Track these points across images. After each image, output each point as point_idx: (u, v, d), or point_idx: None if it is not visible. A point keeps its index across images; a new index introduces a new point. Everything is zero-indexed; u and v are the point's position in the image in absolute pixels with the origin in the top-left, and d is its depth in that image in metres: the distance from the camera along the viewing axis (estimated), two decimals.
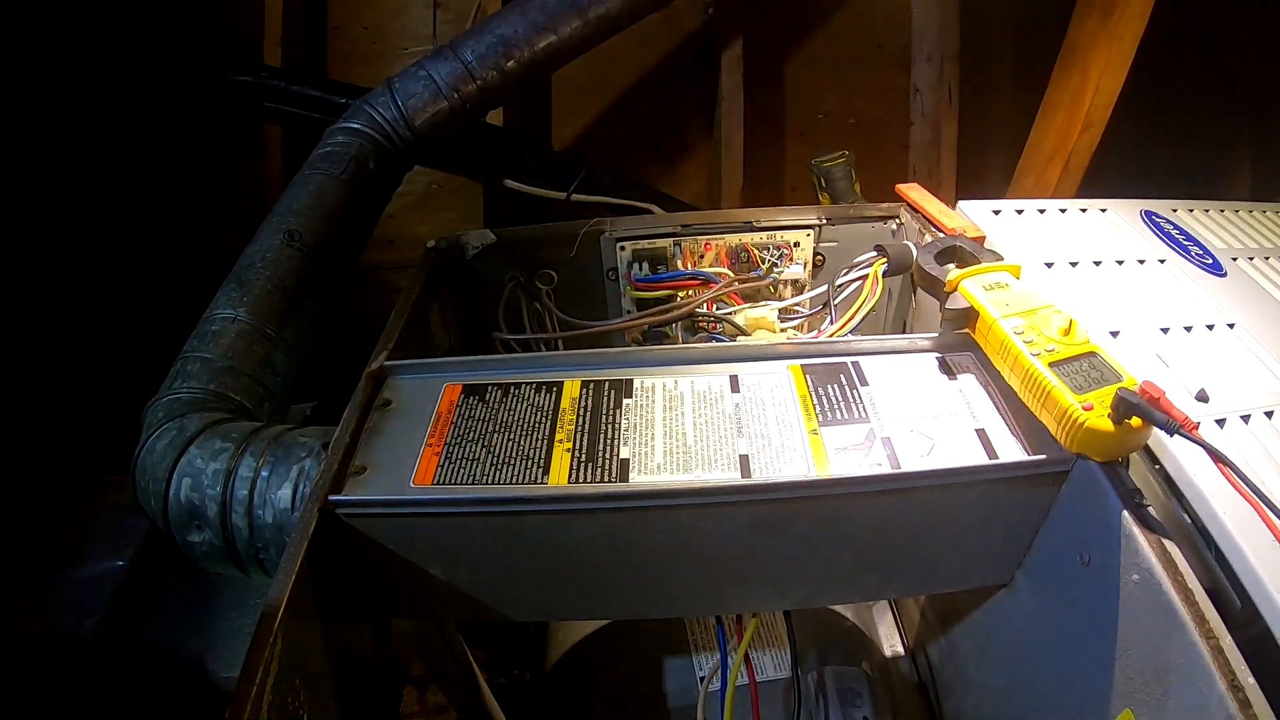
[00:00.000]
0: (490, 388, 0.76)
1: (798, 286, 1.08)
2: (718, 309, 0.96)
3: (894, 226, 1.07)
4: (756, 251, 1.05)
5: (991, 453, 0.68)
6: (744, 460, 0.67)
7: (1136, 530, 0.61)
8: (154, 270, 1.99)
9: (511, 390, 0.75)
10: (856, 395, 0.74)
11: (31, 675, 1.15)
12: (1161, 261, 0.96)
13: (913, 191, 1.03)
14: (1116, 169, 1.97)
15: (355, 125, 1.40)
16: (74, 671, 1.15)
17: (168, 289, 2.00)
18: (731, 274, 1.02)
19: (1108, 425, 0.63)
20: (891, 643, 1.12)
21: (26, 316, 1.74)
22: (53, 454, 1.57)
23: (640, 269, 1.04)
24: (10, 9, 1.67)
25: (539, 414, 0.72)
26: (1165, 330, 0.85)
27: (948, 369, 0.77)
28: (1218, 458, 0.60)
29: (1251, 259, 1.01)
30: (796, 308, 1.00)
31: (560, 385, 0.75)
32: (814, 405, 0.72)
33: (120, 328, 1.93)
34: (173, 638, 1.15)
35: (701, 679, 0.97)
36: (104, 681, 1.13)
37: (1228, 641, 0.55)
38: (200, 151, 1.96)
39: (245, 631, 1.13)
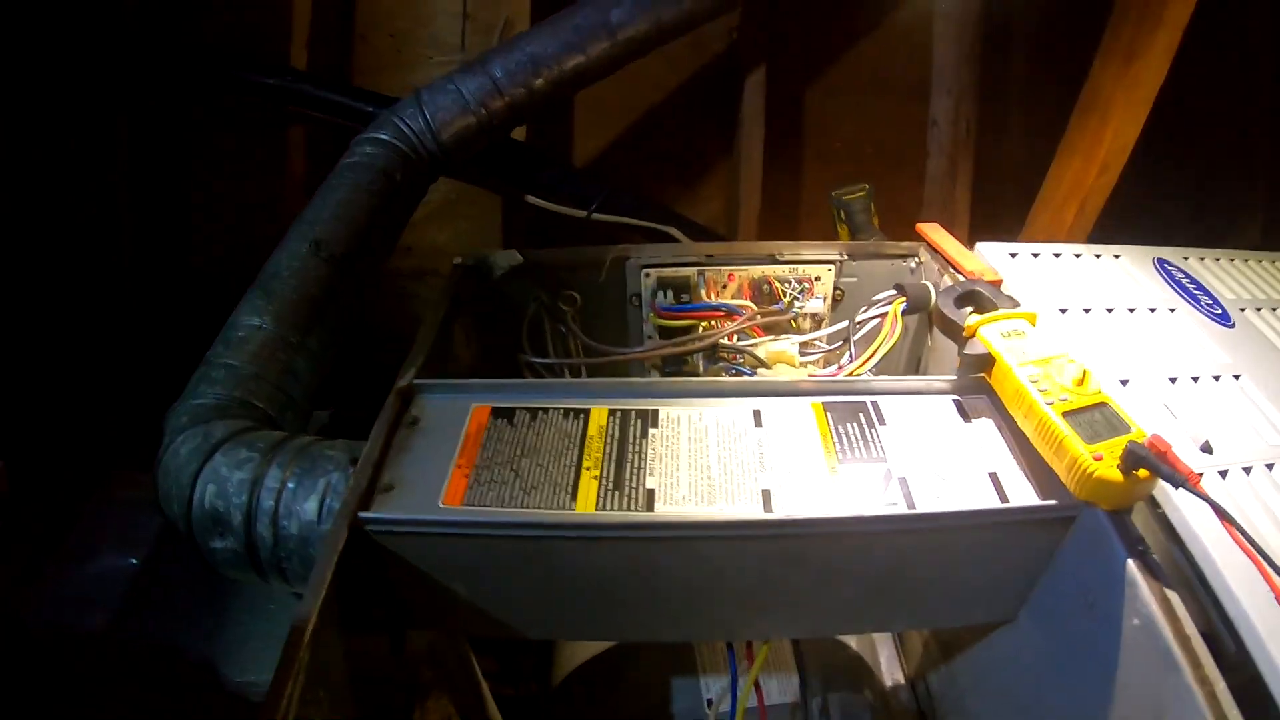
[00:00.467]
0: (519, 411, 0.77)
1: (817, 320, 1.10)
2: (739, 340, 0.98)
3: (913, 265, 1.09)
4: (778, 284, 1.07)
5: (1003, 496, 0.70)
6: (766, 495, 0.69)
7: (1139, 577, 0.63)
8: (170, 267, 2.01)
9: (540, 415, 0.77)
10: (875, 434, 0.76)
11: (39, 667, 1.16)
12: (1172, 310, 0.98)
13: (933, 232, 1.05)
14: (1129, 212, 1.99)
15: (383, 136, 1.41)
16: (81, 666, 1.16)
17: (183, 286, 2.01)
18: (754, 306, 1.04)
19: (1116, 476, 0.65)
20: (892, 671, 1.14)
21: (39, 311, 1.75)
22: (60, 447, 1.58)
23: (664, 296, 1.06)
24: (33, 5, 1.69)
25: (567, 440, 0.74)
26: (1173, 380, 0.87)
27: (963, 412, 0.79)
28: (1221, 514, 0.62)
29: (1259, 310, 1.03)
30: (816, 342, 1.02)
31: (588, 412, 0.77)
32: (834, 443, 0.74)
33: (135, 323, 1.94)
34: (182, 638, 1.16)
35: (709, 701, 0.99)
36: (111, 678, 1.15)
37: (1221, 687, 0.57)
38: (221, 152, 1.98)
39: (257, 636, 1.14)
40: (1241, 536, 0.62)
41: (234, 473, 0.85)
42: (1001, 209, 2.23)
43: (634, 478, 0.70)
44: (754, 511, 0.68)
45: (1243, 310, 1.02)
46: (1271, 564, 0.61)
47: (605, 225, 1.69)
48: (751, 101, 2.04)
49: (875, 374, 0.93)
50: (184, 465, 0.87)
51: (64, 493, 1.39)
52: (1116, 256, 1.07)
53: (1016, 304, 0.84)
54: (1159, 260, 1.08)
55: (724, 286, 1.06)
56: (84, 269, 1.88)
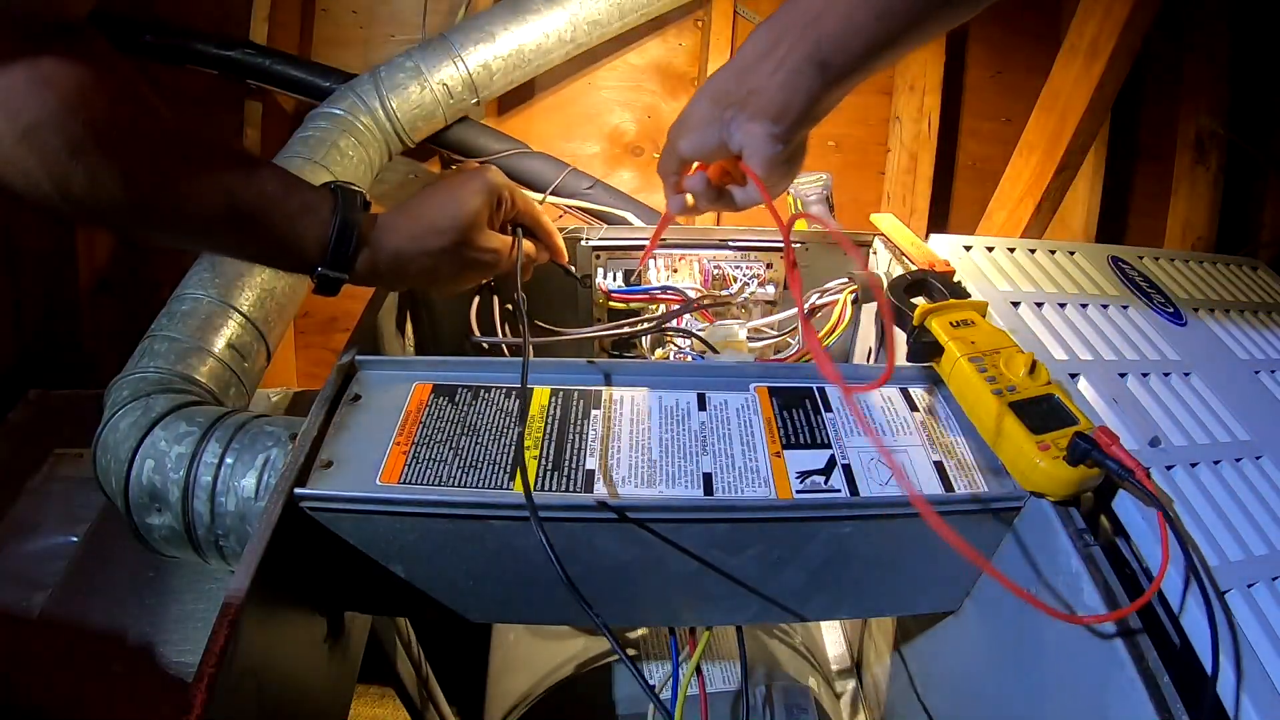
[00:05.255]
0: (460, 389, 0.76)
1: (768, 307, 1.09)
2: (688, 324, 0.97)
3: (867, 255, 1.08)
4: (729, 269, 1.06)
5: (948, 486, 0.70)
6: (707, 478, 0.68)
7: (1083, 569, 0.63)
8: (122, 242, 1.98)
9: (481, 394, 0.76)
10: (820, 420, 0.75)
11: None
12: (1124, 308, 0.98)
13: (886, 222, 1.05)
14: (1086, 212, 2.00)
15: (338, 111, 1.40)
16: (21, 645, 1.14)
17: (134, 261, 1.99)
18: (704, 290, 1.03)
19: (1062, 467, 0.65)
20: (838, 661, 1.14)
21: None
22: (4, 425, 1.56)
23: (614, 279, 1.05)
24: None
25: (508, 419, 0.73)
26: (1123, 375, 0.87)
27: (910, 400, 0.78)
28: (1162, 511, 0.62)
29: (1212, 310, 1.03)
30: (765, 328, 1.01)
31: (530, 392, 0.76)
32: (778, 428, 0.74)
33: (83, 298, 1.92)
34: (123, 618, 1.15)
35: (652, 687, 0.98)
36: (50, 657, 1.13)
37: (1165, 680, 0.57)
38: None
39: (197, 616, 1.13)
40: (1173, 534, 0.62)
41: (173, 447, 0.84)
42: (960, 208, 2.24)
43: (574, 458, 0.69)
44: (694, 495, 0.67)
45: (1195, 310, 1.02)
46: (1202, 565, 0.61)
47: (562, 208, 1.69)
48: None
49: None
50: (123, 440, 0.86)
51: (6, 471, 1.37)
52: (1071, 253, 1.08)
53: (967, 295, 0.84)
54: (1113, 258, 1.08)
55: (675, 270, 1.05)
56: (35, 243, 1.85)
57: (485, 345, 0.90)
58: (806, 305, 0.95)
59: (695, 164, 0.77)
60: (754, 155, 0.69)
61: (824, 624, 1.18)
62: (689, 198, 0.79)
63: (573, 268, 1.01)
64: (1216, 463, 0.79)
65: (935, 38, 0.56)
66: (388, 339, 0.92)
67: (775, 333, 0.98)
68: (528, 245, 0.88)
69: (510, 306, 0.96)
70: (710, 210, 0.80)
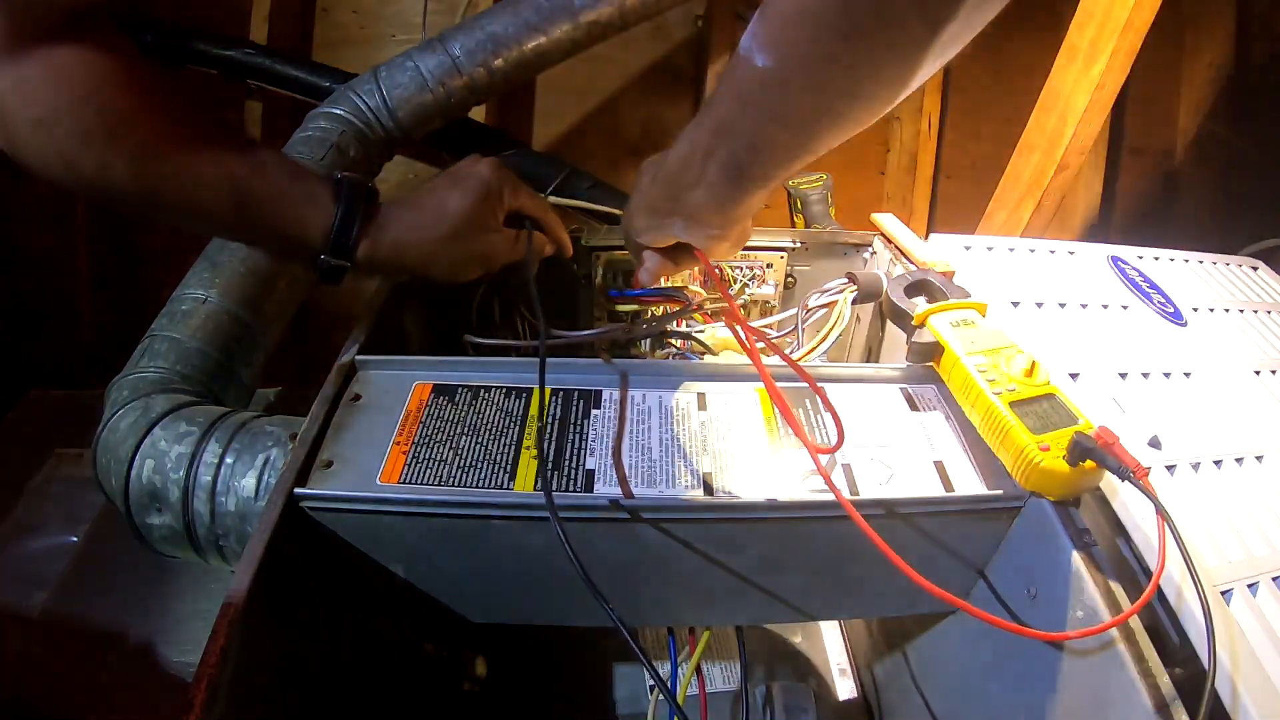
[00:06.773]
0: (461, 389, 0.76)
1: (768, 308, 1.09)
2: (687, 326, 0.97)
3: (867, 255, 1.08)
4: (729, 270, 1.06)
5: (948, 485, 0.70)
6: (707, 479, 0.68)
7: (1084, 569, 0.63)
8: (121, 241, 1.98)
9: (482, 394, 0.76)
10: (820, 421, 0.75)
11: None
12: (1125, 308, 0.98)
13: (886, 222, 1.05)
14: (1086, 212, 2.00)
15: (338, 111, 1.40)
16: (21, 644, 1.14)
17: (134, 261, 1.98)
18: (703, 292, 1.03)
19: (1063, 467, 0.65)
20: (838, 661, 1.13)
21: None
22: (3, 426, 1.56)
23: (614, 279, 1.05)
24: None
25: (508, 419, 0.73)
26: (1123, 375, 0.87)
27: (911, 401, 0.78)
28: (1160, 511, 0.62)
29: (1212, 310, 1.03)
30: (765, 328, 1.01)
31: (530, 392, 0.76)
32: (778, 428, 0.74)
33: (83, 298, 1.92)
34: (124, 618, 1.15)
35: (651, 688, 0.98)
36: (52, 657, 1.13)
37: (1164, 680, 0.57)
38: None
39: (199, 616, 1.12)
40: (1172, 534, 0.62)
41: (173, 447, 0.83)
42: (960, 207, 2.24)
43: (574, 458, 0.69)
44: (694, 495, 0.67)
45: (1195, 310, 1.03)
46: (1192, 568, 0.61)
47: (562, 208, 1.69)
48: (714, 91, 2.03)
49: (824, 361, 0.92)
50: (122, 440, 0.85)
51: (6, 471, 1.37)
52: (1071, 253, 1.08)
53: (967, 295, 0.84)
54: (1113, 258, 1.08)
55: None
56: (35, 242, 1.85)
57: (484, 345, 0.90)
58: (807, 306, 0.94)
59: None
60: (700, 246, 0.77)
61: (824, 623, 1.18)
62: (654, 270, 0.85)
63: (574, 265, 1.01)
64: (1217, 463, 0.80)
65: (847, 137, 0.59)
66: (388, 338, 0.92)
67: (775, 333, 0.98)
68: (535, 237, 0.89)
69: (509, 305, 0.96)
70: (678, 273, 0.93)
